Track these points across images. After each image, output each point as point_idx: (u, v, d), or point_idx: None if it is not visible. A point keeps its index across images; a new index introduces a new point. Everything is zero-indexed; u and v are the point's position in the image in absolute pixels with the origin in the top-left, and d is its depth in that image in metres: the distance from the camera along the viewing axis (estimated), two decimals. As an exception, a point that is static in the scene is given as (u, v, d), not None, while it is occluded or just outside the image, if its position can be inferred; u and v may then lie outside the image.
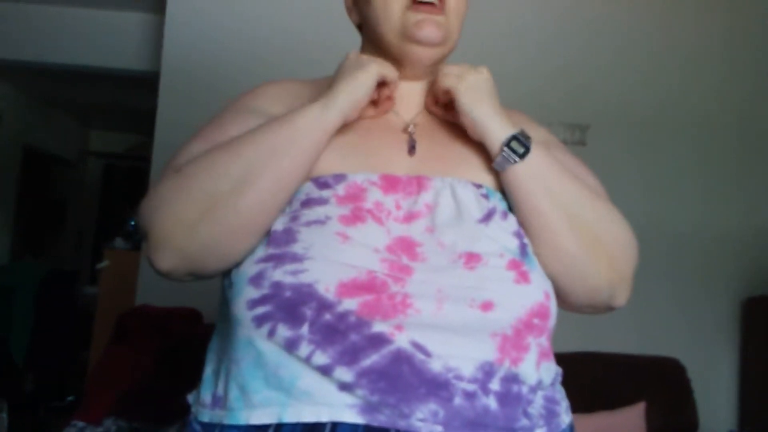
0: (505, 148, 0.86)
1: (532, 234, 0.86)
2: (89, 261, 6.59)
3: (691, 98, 2.95)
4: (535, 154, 0.86)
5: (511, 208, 0.88)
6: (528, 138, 0.86)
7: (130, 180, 7.01)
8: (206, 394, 0.82)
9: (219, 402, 0.79)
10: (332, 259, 0.76)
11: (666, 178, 2.95)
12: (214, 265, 0.81)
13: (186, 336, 2.41)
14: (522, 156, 0.85)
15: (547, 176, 0.87)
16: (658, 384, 2.52)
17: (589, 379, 2.41)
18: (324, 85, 0.92)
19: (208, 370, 0.85)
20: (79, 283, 4.99)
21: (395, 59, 0.93)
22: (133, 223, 3.80)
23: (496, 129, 0.87)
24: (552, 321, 0.82)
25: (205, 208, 0.79)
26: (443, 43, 0.92)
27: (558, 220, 0.86)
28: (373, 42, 0.96)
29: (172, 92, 3.04)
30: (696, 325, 2.91)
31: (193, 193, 0.80)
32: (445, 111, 0.94)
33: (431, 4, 0.90)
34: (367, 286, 0.75)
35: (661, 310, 2.90)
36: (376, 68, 0.88)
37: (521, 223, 0.86)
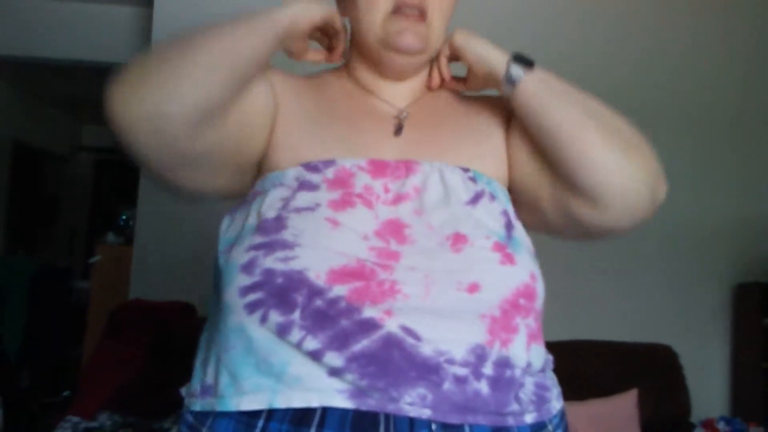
0: (512, 63, 0.89)
1: (562, 151, 0.86)
2: (82, 256, 6.57)
3: (683, 89, 2.97)
4: (540, 69, 0.90)
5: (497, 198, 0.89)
6: (527, 56, 0.90)
7: (122, 174, 6.97)
8: (196, 384, 0.82)
9: (209, 390, 0.80)
10: (322, 246, 0.77)
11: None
12: (165, 105, 0.78)
13: (179, 329, 2.41)
14: (530, 65, 0.89)
15: (560, 85, 0.89)
16: (650, 371, 2.54)
17: (581, 366, 2.43)
18: (319, 79, 0.96)
19: (198, 361, 0.85)
20: (72, 278, 4.98)
21: (376, 63, 0.95)
22: (124, 217, 3.80)
23: (498, 55, 0.91)
24: (539, 302, 0.83)
25: (161, 59, 0.81)
26: (423, 51, 0.92)
27: (586, 123, 0.86)
28: (356, 42, 0.97)
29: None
30: (688, 312, 2.93)
31: (153, 56, 0.82)
32: (452, 81, 0.99)
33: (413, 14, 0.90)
34: (357, 273, 0.76)
35: (653, 297, 2.92)
36: (324, 7, 0.92)
37: (547, 147, 0.88)
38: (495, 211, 0.86)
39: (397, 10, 0.90)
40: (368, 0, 0.91)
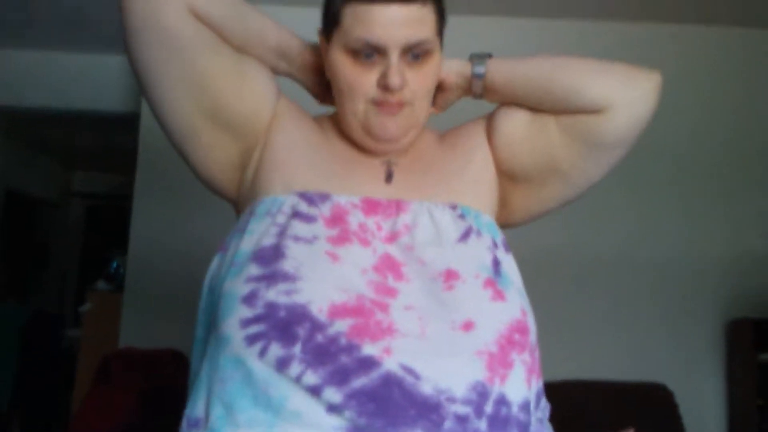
0: (475, 61, 1.00)
1: (558, 89, 0.96)
2: (72, 302, 6.52)
3: (673, 125, 3.00)
4: (498, 56, 1.01)
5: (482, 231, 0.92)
6: (482, 52, 1.01)
7: (112, 220, 6.97)
8: (183, 420, 0.81)
9: (198, 423, 0.79)
10: (324, 280, 0.79)
11: (648, 203, 2.98)
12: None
13: (170, 377, 2.38)
14: (488, 56, 1.00)
15: (519, 57, 1.01)
16: (646, 410, 2.52)
17: (576, 406, 2.41)
18: (321, 119, 1.02)
19: (188, 398, 0.85)
20: (63, 325, 4.93)
21: (359, 142, 0.97)
22: (115, 264, 3.78)
23: (458, 62, 1.02)
24: (532, 336, 0.85)
25: None
26: (405, 135, 0.95)
27: (562, 60, 0.99)
28: (340, 114, 0.99)
29: (153, 132, 3.05)
30: (681, 349, 2.91)
31: None
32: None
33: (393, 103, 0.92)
34: (356, 310, 0.78)
35: (647, 335, 2.91)
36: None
37: (544, 100, 0.97)
38: (483, 248, 0.89)
39: (378, 103, 0.92)
40: (350, 90, 0.92)
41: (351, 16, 0.88)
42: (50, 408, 4.50)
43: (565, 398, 2.41)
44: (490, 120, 1.04)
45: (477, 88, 1.01)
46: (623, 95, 0.95)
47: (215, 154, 0.96)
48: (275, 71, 1.01)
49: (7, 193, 5.92)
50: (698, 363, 2.92)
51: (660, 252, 2.96)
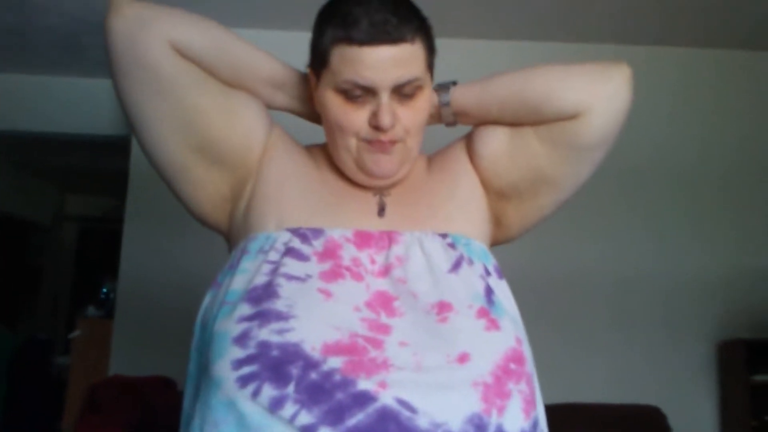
0: (439, 91, 1.01)
1: (530, 100, 0.96)
2: (64, 328, 6.47)
3: (674, 144, 3.02)
4: (463, 82, 1.03)
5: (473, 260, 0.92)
6: (446, 82, 1.02)
7: (105, 244, 6.93)
8: None
9: None
10: (317, 318, 0.79)
11: (638, 225, 3.00)
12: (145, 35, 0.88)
13: (159, 405, 2.36)
14: (452, 84, 1.01)
15: (482, 81, 1.02)
16: (639, 433, 2.50)
17: (568, 430, 2.39)
18: (314, 150, 1.02)
19: None
20: (53, 352, 4.89)
21: (350, 177, 0.97)
22: (105, 290, 3.76)
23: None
24: (529, 366, 0.85)
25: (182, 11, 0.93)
26: (398, 171, 0.95)
27: (529, 72, 0.99)
28: (332, 149, 0.98)
29: (144, 157, 3.05)
30: (674, 371, 2.91)
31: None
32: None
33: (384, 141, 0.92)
34: (350, 348, 0.77)
35: (639, 356, 2.90)
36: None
37: (519, 113, 0.97)
38: (475, 276, 0.89)
39: (370, 141, 0.92)
40: (341, 129, 0.92)
41: (339, 57, 0.88)
42: (40, 436, 4.44)
43: (556, 422, 2.39)
44: (468, 142, 1.04)
45: (447, 116, 1.02)
46: (596, 95, 0.95)
47: (206, 189, 0.96)
48: (272, 105, 1.01)
49: (0, 215, 5.91)
50: (691, 385, 2.91)
51: (651, 273, 2.96)
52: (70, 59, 3.45)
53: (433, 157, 1.07)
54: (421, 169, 1.04)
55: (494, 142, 1.00)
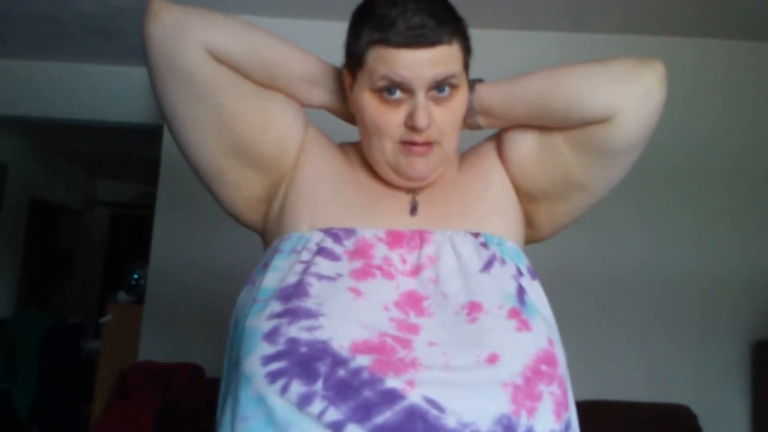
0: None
1: (557, 103, 0.92)
2: (95, 312, 6.58)
3: (690, 140, 2.96)
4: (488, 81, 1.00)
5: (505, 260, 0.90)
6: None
7: (135, 229, 7.04)
8: None
9: None
10: (346, 317, 0.79)
11: (671, 220, 2.94)
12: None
13: (187, 392, 2.39)
14: (478, 81, 0.99)
15: (508, 81, 0.98)
16: (668, 433, 2.47)
17: (595, 428, 2.36)
18: (347, 149, 1.01)
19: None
20: (84, 336, 4.97)
21: (384, 178, 0.97)
22: (136, 276, 3.81)
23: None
24: (560, 368, 0.83)
25: (220, 14, 0.93)
26: (434, 173, 0.94)
27: (556, 73, 0.94)
28: (366, 149, 0.97)
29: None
30: (706, 371, 2.86)
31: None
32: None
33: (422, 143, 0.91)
34: (377, 348, 0.77)
35: (669, 355, 2.86)
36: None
37: (545, 116, 0.94)
38: (507, 276, 0.88)
39: (406, 143, 0.91)
40: (377, 130, 0.91)
41: (376, 57, 0.87)
42: (69, 419, 4.53)
43: (586, 419, 2.37)
44: (498, 143, 1.02)
45: (471, 115, 0.99)
46: (626, 97, 0.90)
47: (241, 191, 0.97)
48: (308, 103, 1.00)
49: (32, 200, 6.02)
50: (723, 384, 2.86)
51: (686, 271, 2.91)
52: (104, 46, 3.48)
53: (465, 156, 1.05)
54: (454, 167, 1.03)
55: (523, 146, 0.98)
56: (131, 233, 7.22)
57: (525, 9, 2.89)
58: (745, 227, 2.95)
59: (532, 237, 1.04)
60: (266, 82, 0.95)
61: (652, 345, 2.88)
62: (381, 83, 0.87)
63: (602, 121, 0.91)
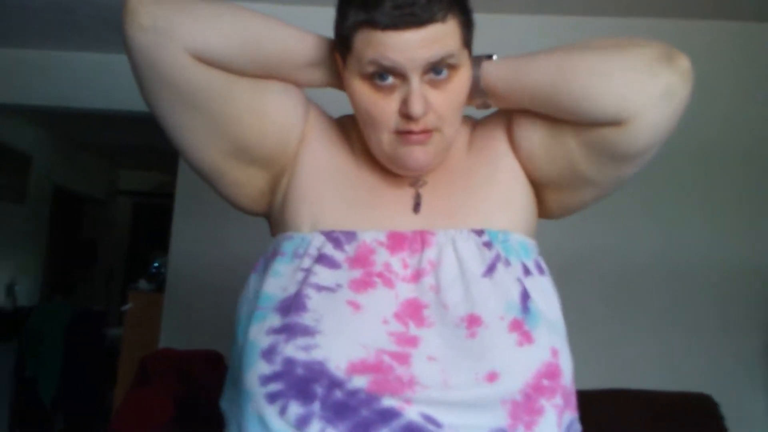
0: (475, 60, 0.90)
1: (564, 98, 0.85)
2: (117, 300, 6.66)
3: (702, 129, 2.91)
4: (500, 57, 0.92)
5: (509, 262, 0.87)
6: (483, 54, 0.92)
7: (157, 218, 7.10)
8: None
9: None
10: (343, 335, 0.77)
11: (688, 209, 2.90)
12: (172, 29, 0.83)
13: (207, 378, 2.41)
14: (487, 57, 0.91)
15: (522, 55, 0.91)
16: (689, 422, 2.44)
17: (616, 418, 2.35)
18: (349, 132, 0.96)
19: None
20: (107, 323, 5.04)
21: (385, 167, 0.92)
22: (156, 264, 3.84)
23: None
24: (565, 378, 0.81)
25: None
26: (435, 161, 0.89)
27: (568, 60, 0.86)
28: (365, 138, 0.92)
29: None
30: (728, 358, 2.83)
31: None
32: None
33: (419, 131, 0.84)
34: (375, 368, 0.76)
35: (690, 342, 2.83)
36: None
37: (551, 107, 0.87)
38: (510, 280, 0.84)
39: (402, 132, 0.85)
40: (371, 120, 0.85)
41: (362, 42, 0.80)
42: (93, 405, 4.60)
43: (601, 409, 2.36)
44: (508, 126, 0.96)
45: (476, 92, 0.91)
46: (641, 100, 0.81)
47: (244, 188, 0.95)
48: (311, 85, 0.95)
49: (56, 190, 6.09)
50: (745, 372, 2.82)
51: (707, 259, 2.87)
52: (120, 37, 3.49)
53: (476, 131, 0.99)
54: (462, 145, 0.97)
55: (533, 137, 0.92)
56: (153, 222, 7.28)
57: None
58: (761, 214, 2.90)
59: (543, 215, 1.00)
60: (263, 75, 0.90)
61: (671, 334, 2.85)
62: (370, 69, 0.80)
63: (613, 124, 0.83)
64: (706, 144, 2.90)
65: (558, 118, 0.89)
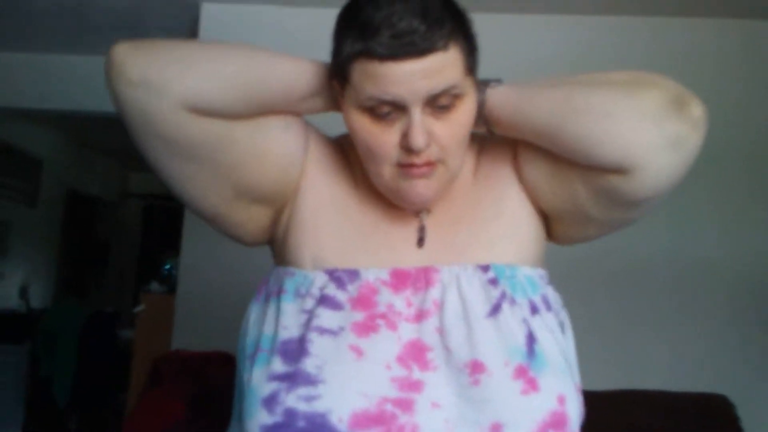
0: (481, 85, 0.86)
1: (566, 139, 0.81)
2: (130, 301, 6.69)
3: (711, 126, 2.86)
4: (509, 83, 0.88)
5: (515, 297, 0.85)
6: (490, 79, 0.88)
7: (168, 219, 7.12)
8: None
9: None
10: (346, 384, 0.75)
11: (705, 210, 2.88)
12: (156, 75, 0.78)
13: (218, 380, 2.41)
14: (494, 82, 0.86)
15: (530, 85, 0.87)
16: (704, 423, 2.42)
17: (630, 419, 2.33)
18: (351, 158, 0.93)
19: None
20: (120, 325, 5.06)
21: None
22: (168, 266, 3.85)
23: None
24: (572, 425, 0.79)
25: (188, 45, 0.85)
26: (439, 194, 0.86)
27: (571, 100, 0.81)
28: (366, 170, 0.89)
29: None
30: (744, 358, 2.80)
31: (183, 41, 0.86)
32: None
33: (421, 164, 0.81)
34: (377, 418, 0.74)
35: (707, 344, 2.81)
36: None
37: (554, 145, 0.83)
38: (516, 322, 0.81)
39: (404, 166, 0.81)
40: (371, 154, 0.82)
41: (361, 73, 0.76)
42: (106, 406, 4.62)
43: (618, 409, 2.34)
44: (515, 155, 0.92)
45: (479, 119, 0.87)
46: (645, 150, 0.76)
47: (246, 228, 0.93)
48: (312, 112, 0.91)
49: (68, 193, 6.13)
50: (761, 374, 2.80)
51: (723, 257, 2.84)
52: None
53: (482, 155, 0.95)
54: (468, 171, 0.94)
55: (537, 170, 0.89)
56: (164, 224, 7.30)
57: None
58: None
59: (550, 239, 0.97)
60: (260, 114, 0.86)
61: (684, 333, 2.82)
62: (369, 103, 0.77)
63: (617, 171, 0.79)
64: (714, 142, 2.83)
65: (562, 157, 0.85)
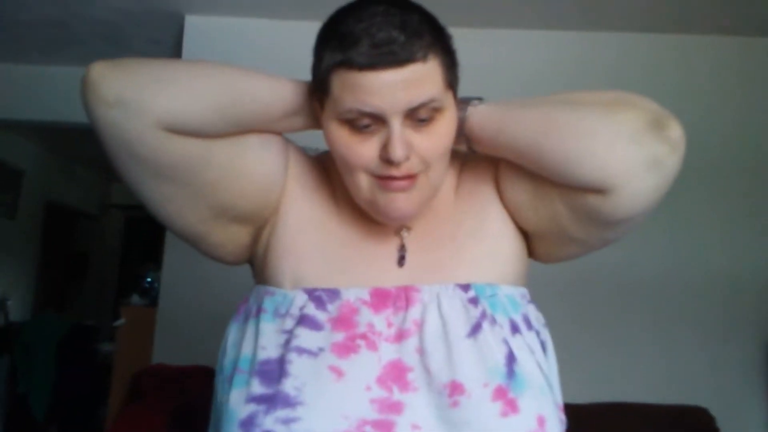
0: (462, 103, 0.86)
1: (544, 158, 0.81)
2: (110, 315, 6.62)
3: (708, 140, 2.92)
4: (492, 101, 0.88)
5: (495, 315, 0.84)
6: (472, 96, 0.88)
7: (149, 232, 7.06)
8: None
9: None
10: (325, 406, 0.75)
11: (684, 222, 2.91)
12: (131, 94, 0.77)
13: (200, 395, 2.39)
14: (475, 100, 0.86)
15: (511, 103, 0.86)
16: (685, 435, 2.44)
17: (612, 430, 2.34)
18: (331, 175, 0.92)
19: None
20: (99, 338, 5.01)
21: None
22: (149, 279, 3.82)
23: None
24: None
25: (165, 63, 0.83)
26: (419, 209, 0.85)
27: (551, 119, 0.81)
28: (345, 183, 0.88)
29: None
30: (723, 372, 2.82)
31: (160, 60, 0.84)
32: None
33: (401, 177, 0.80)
34: None
35: (686, 356, 2.83)
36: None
37: (533, 164, 0.83)
38: (496, 342, 0.81)
39: (383, 178, 0.80)
40: (349, 166, 0.81)
41: (339, 84, 0.76)
42: (85, 421, 4.56)
43: (596, 422, 2.35)
44: (496, 173, 0.92)
45: (460, 137, 0.86)
46: (623, 171, 0.76)
47: (226, 248, 0.92)
48: (292, 130, 0.91)
49: (48, 205, 6.06)
50: (740, 386, 2.82)
51: (705, 271, 2.87)
52: (115, 51, 3.49)
53: (464, 171, 0.95)
54: (449, 188, 0.94)
55: (518, 189, 0.89)
56: (146, 236, 7.25)
57: (543, 8, 2.86)
58: (760, 227, 2.91)
59: (532, 257, 0.97)
60: (239, 132, 0.85)
61: (670, 346, 2.84)
62: (349, 115, 0.77)
63: (596, 191, 0.79)
64: (711, 157, 2.91)
65: (543, 177, 0.85)
